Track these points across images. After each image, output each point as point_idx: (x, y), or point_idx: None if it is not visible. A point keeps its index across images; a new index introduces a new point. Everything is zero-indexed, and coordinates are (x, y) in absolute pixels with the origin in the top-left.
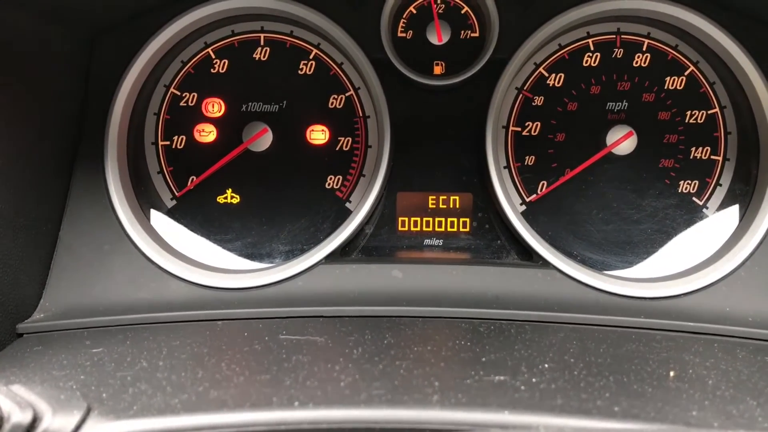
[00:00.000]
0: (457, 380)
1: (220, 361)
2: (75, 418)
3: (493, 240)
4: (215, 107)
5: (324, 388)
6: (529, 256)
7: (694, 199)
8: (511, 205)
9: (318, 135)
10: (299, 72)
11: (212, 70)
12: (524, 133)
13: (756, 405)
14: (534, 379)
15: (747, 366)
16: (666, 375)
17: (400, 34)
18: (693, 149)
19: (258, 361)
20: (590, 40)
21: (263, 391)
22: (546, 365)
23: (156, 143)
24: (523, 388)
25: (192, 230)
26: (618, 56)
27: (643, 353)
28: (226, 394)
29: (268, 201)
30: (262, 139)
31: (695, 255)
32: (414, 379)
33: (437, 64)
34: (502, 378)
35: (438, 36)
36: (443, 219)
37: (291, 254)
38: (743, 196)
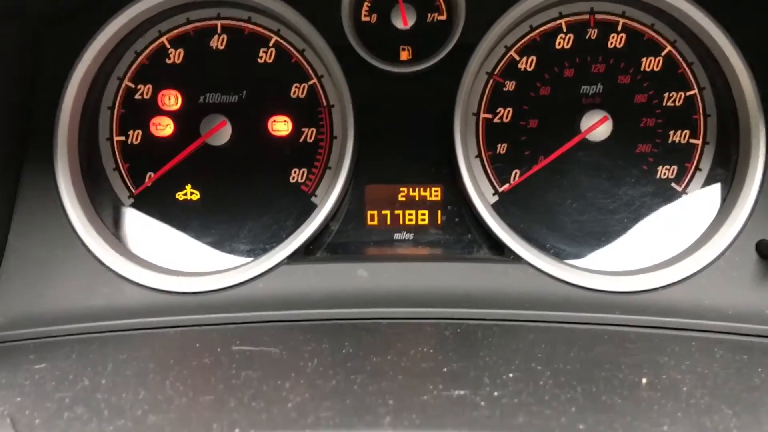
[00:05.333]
0: (414, 397)
1: (165, 378)
2: None
3: (464, 234)
4: (172, 100)
5: (270, 411)
6: (500, 250)
7: (673, 185)
8: (481, 198)
9: (280, 126)
10: (259, 60)
11: (167, 61)
12: (495, 120)
13: (731, 414)
14: (496, 393)
15: (724, 368)
16: (638, 382)
17: (363, 18)
18: (671, 133)
19: (205, 378)
20: (563, 21)
21: (204, 415)
22: (510, 375)
23: (111, 139)
24: (483, 404)
25: (150, 230)
26: (592, 37)
27: (615, 356)
28: (164, 419)
29: (229, 197)
30: (221, 133)
31: (675, 244)
32: (367, 396)
33: (403, 50)
34: (461, 392)
35: (403, 19)
36: (413, 212)
37: (252, 254)
38: (723, 181)
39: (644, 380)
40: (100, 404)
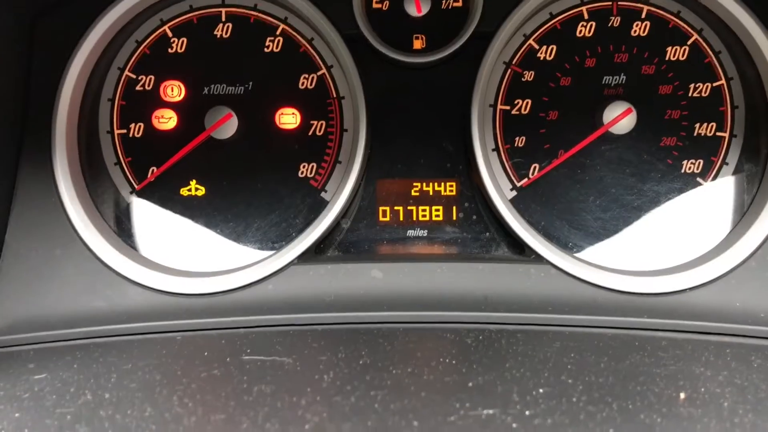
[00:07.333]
0: (440, 417)
1: (173, 392)
2: None
3: (482, 232)
4: (174, 91)
5: None
6: (520, 248)
7: (698, 179)
8: (499, 193)
9: (288, 119)
10: (265, 50)
11: (170, 50)
12: (513, 112)
13: None
14: (527, 412)
15: (764, 379)
16: (676, 397)
17: (375, 6)
18: (697, 125)
19: (215, 393)
20: (584, 8)
21: None
22: (541, 390)
23: (111, 132)
24: (515, 425)
25: (153, 227)
26: (615, 25)
27: (648, 367)
28: None
29: (235, 193)
30: (227, 125)
31: (702, 243)
32: (390, 417)
33: (417, 39)
34: (490, 412)
35: (417, 7)
36: (427, 207)
37: (261, 252)
38: (752, 176)
39: (682, 395)
40: (104, 423)
